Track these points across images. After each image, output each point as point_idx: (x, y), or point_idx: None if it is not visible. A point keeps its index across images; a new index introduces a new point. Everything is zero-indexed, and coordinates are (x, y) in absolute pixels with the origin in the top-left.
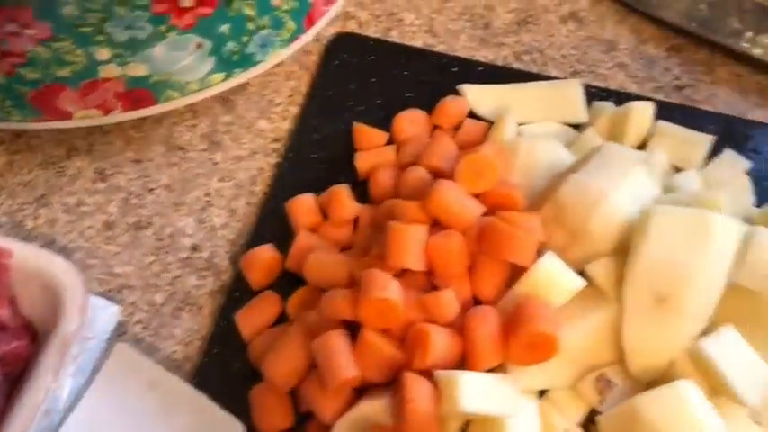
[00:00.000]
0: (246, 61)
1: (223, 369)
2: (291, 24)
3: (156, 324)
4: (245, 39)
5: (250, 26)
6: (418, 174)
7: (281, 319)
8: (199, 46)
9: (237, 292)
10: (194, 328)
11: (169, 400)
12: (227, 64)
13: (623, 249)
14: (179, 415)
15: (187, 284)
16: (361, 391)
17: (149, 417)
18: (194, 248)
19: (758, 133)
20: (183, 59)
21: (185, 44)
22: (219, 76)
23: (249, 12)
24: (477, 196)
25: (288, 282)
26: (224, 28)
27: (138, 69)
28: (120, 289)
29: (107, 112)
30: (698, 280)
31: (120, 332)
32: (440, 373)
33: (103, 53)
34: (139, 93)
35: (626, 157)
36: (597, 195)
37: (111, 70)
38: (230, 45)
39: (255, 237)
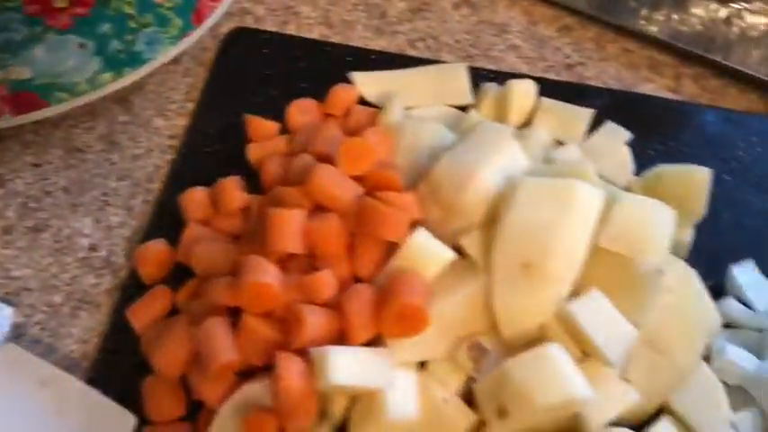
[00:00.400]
0: (135, 60)
1: (119, 364)
2: (178, 21)
3: (55, 324)
4: (129, 37)
5: (132, 24)
6: (304, 160)
7: (175, 312)
8: (81, 46)
9: (132, 289)
10: (92, 326)
11: (61, 398)
12: (115, 63)
13: (494, 221)
14: (71, 412)
15: (85, 284)
16: (249, 376)
17: (41, 415)
18: (92, 248)
19: (643, 105)
20: (66, 60)
21: (66, 45)
22: (109, 75)
23: (129, 10)
24: (358, 179)
25: (181, 275)
26: (105, 27)
27: (20, 72)
28: (19, 292)
29: None
30: (561, 245)
31: (18, 334)
32: (313, 350)
33: None
34: (25, 96)
35: (498, 133)
36: (468, 170)
37: None
38: (114, 44)
39: (150, 232)
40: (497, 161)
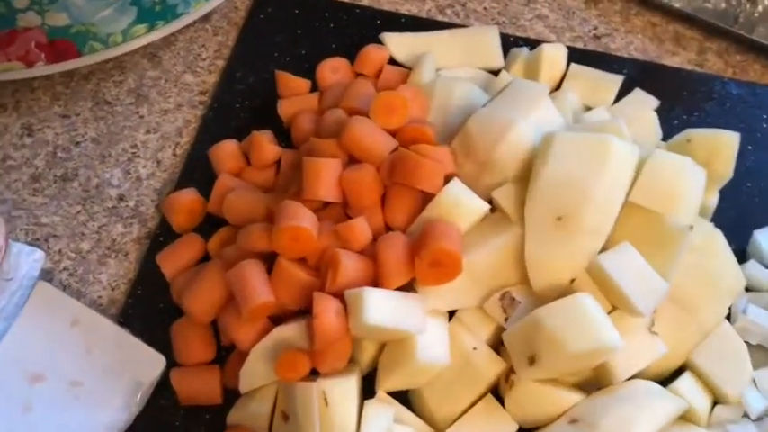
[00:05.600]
0: (169, 13)
1: (147, 309)
2: None
3: (83, 270)
4: None
5: None
6: (337, 115)
7: (206, 260)
8: None
9: (162, 237)
10: (120, 273)
11: (92, 337)
12: (150, 15)
13: (528, 176)
14: (101, 350)
15: (113, 232)
16: (280, 322)
17: (72, 352)
18: (120, 198)
19: (668, 76)
20: (103, 9)
21: None
22: (142, 27)
23: None
24: (392, 134)
25: (212, 226)
26: None
27: (57, 18)
28: (47, 238)
29: (30, 64)
30: (595, 198)
31: (47, 279)
32: (348, 291)
33: (21, 0)
34: (62, 44)
35: (533, 90)
36: (503, 126)
37: (30, 19)
38: None
39: (180, 185)
40: (533, 116)
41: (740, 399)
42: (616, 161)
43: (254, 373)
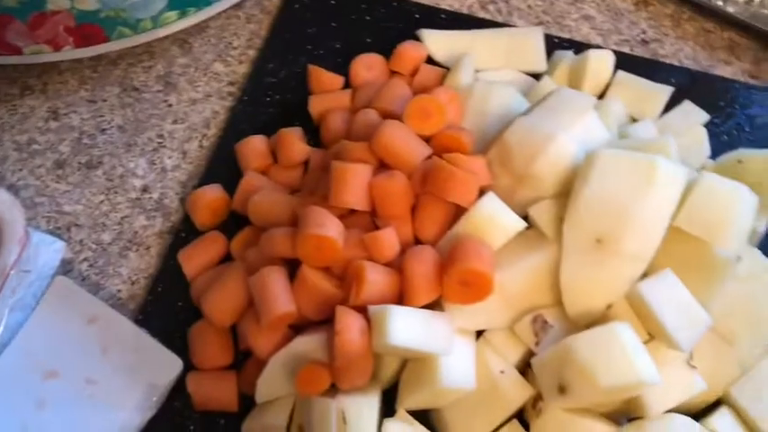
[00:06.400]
0: (201, 0)
1: (167, 307)
2: None
3: (103, 263)
4: None
5: None
6: (369, 116)
7: (228, 259)
8: None
9: (184, 233)
10: (141, 267)
11: (108, 335)
12: (181, 1)
13: (567, 193)
14: (118, 350)
15: (135, 225)
16: (300, 330)
17: (88, 350)
18: (144, 189)
19: (721, 88)
20: None
21: None
22: (173, 14)
23: None
24: (426, 140)
25: (236, 224)
26: None
27: (87, 3)
28: (69, 227)
29: (58, 47)
30: (638, 222)
31: (66, 270)
32: (372, 308)
33: None
34: (90, 28)
35: (577, 101)
36: (544, 138)
37: (59, 2)
38: None
39: (206, 179)
40: (575, 130)
41: None
42: (662, 184)
43: (272, 383)
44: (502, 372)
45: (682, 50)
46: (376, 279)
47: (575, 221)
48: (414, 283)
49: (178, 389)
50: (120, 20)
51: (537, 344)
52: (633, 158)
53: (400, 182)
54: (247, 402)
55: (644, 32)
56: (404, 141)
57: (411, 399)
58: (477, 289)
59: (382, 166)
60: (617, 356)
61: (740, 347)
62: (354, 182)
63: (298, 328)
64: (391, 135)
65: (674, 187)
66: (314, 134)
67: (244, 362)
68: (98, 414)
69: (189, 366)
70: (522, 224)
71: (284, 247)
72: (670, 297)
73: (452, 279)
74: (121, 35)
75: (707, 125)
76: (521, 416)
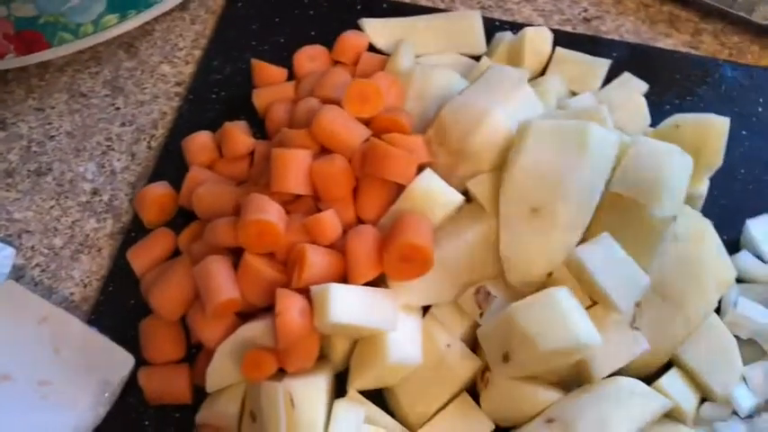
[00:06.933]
0: (141, 2)
1: (119, 306)
2: None
3: (55, 267)
4: None
5: None
6: (310, 104)
7: (177, 255)
8: None
9: (134, 233)
10: (93, 269)
11: (60, 335)
12: (121, 4)
13: (504, 166)
14: (70, 350)
15: (86, 228)
16: (248, 319)
17: (40, 352)
18: (94, 192)
19: (660, 59)
20: None
21: None
22: (114, 17)
23: None
24: (366, 123)
25: (185, 220)
26: None
27: (24, 9)
28: (20, 234)
29: (0, 56)
30: (571, 189)
31: (18, 276)
32: (313, 288)
33: None
34: (30, 35)
35: (510, 76)
36: (478, 114)
37: None
38: None
39: (154, 178)
40: (509, 105)
41: (729, 396)
42: (594, 150)
43: (221, 372)
44: (448, 345)
45: (623, 26)
46: (318, 261)
47: (509, 193)
48: (355, 262)
49: (132, 386)
50: (60, 25)
51: (481, 315)
52: (564, 127)
53: (340, 164)
54: (202, 396)
55: (585, 11)
56: (342, 125)
57: (361, 379)
58: (417, 263)
59: (324, 151)
60: (556, 320)
61: (685, 308)
62: (294, 167)
63: (247, 316)
64: (330, 119)
65: (606, 152)
66: (260, 127)
67: (197, 356)
68: (52, 415)
69: (143, 362)
70: (460, 198)
71: (227, 236)
72: (607, 260)
73: (392, 255)
74: (63, 41)
75: (648, 95)
76: (473, 389)
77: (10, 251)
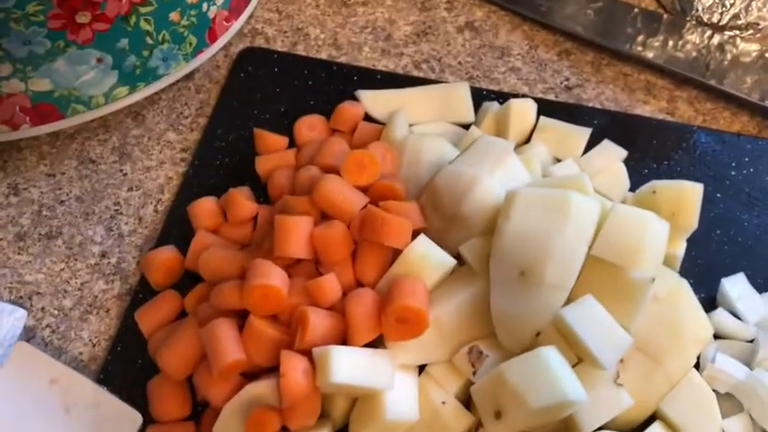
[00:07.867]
0: (150, 75)
1: (127, 366)
2: (192, 39)
3: (65, 327)
4: (145, 53)
5: (149, 41)
6: (311, 172)
7: (184, 316)
8: (100, 60)
9: (142, 294)
10: (101, 329)
11: (70, 396)
12: (131, 78)
13: (493, 231)
14: (79, 409)
15: (95, 289)
16: (253, 379)
17: (50, 412)
18: (103, 255)
19: (638, 126)
20: (84, 74)
21: (86, 59)
22: (124, 89)
23: (147, 27)
24: (363, 190)
25: (191, 282)
26: (123, 43)
27: (41, 84)
28: (31, 295)
29: (15, 127)
30: (556, 253)
31: (29, 336)
32: (315, 349)
33: (4, 69)
34: (45, 107)
35: (498, 146)
36: (468, 182)
37: (14, 85)
38: (131, 59)
39: (161, 241)
40: (498, 173)
41: None
42: (576, 216)
43: (227, 430)
44: (443, 402)
45: (603, 93)
46: (319, 322)
47: (499, 256)
48: (355, 324)
49: None
50: (74, 98)
51: (474, 373)
52: (548, 195)
53: (339, 230)
54: None
55: (567, 80)
56: (341, 193)
57: None
58: (413, 325)
59: (324, 217)
60: (544, 379)
61: (666, 364)
62: (297, 233)
63: (252, 376)
64: (330, 188)
65: (588, 218)
66: (263, 192)
67: (203, 413)
68: None
69: (150, 421)
70: (453, 261)
71: (232, 298)
72: (592, 320)
73: (390, 317)
74: (75, 111)
75: (627, 161)
76: None
77: (22, 313)
